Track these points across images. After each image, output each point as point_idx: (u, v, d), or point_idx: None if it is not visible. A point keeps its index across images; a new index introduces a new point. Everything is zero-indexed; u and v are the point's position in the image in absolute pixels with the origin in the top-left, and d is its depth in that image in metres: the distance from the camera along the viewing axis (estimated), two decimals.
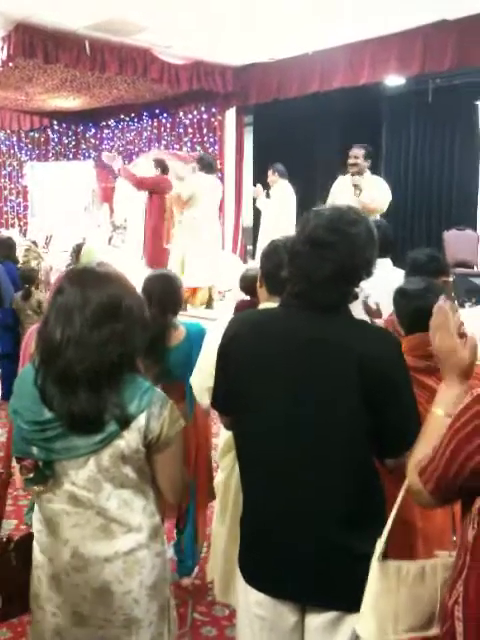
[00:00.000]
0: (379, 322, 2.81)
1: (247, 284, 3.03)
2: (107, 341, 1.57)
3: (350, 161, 5.68)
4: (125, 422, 1.57)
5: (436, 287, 2.49)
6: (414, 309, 2.33)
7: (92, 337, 1.56)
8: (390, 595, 1.34)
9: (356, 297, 1.66)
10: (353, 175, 5.62)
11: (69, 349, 1.56)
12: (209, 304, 7.50)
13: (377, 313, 3.08)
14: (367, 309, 3.23)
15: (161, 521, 1.74)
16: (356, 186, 5.60)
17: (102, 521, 1.61)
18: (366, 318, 3.22)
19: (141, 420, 1.59)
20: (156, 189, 7.62)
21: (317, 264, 1.55)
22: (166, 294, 2.89)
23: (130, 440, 1.58)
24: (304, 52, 7.82)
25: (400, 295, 2.43)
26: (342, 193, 5.72)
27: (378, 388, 1.52)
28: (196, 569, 3.08)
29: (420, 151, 9.51)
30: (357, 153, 5.67)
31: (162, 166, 7.76)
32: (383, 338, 1.62)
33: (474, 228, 8.43)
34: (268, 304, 2.07)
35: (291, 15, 6.50)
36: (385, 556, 1.42)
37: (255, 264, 3.97)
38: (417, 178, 9.47)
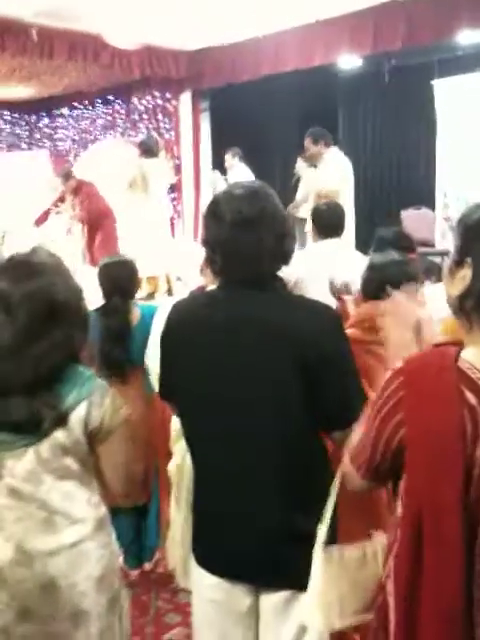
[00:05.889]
0: (348, 299, 2.81)
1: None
2: (46, 353, 1.51)
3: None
4: (61, 419, 1.53)
5: (402, 261, 2.49)
6: (377, 280, 2.34)
7: (30, 350, 1.49)
8: (333, 582, 1.34)
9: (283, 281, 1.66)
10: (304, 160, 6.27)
11: (1, 362, 1.50)
12: (169, 291, 7.45)
13: (345, 291, 3.07)
14: (333, 290, 3.24)
15: (108, 511, 1.71)
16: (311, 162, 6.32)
17: (45, 514, 1.58)
18: (331, 299, 3.22)
19: (81, 411, 1.55)
20: (100, 222, 7.13)
21: (242, 242, 1.54)
22: (127, 280, 2.89)
23: (71, 431, 1.55)
24: (255, 35, 7.74)
25: (367, 268, 2.45)
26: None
27: (313, 362, 1.51)
28: (157, 556, 3.07)
29: (377, 132, 9.52)
30: (305, 141, 6.18)
31: (68, 177, 7.14)
32: (318, 312, 1.61)
33: (431, 208, 8.47)
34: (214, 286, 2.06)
35: None
36: (330, 542, 1.41)
37: None
38: (374, 159, 9.48)
